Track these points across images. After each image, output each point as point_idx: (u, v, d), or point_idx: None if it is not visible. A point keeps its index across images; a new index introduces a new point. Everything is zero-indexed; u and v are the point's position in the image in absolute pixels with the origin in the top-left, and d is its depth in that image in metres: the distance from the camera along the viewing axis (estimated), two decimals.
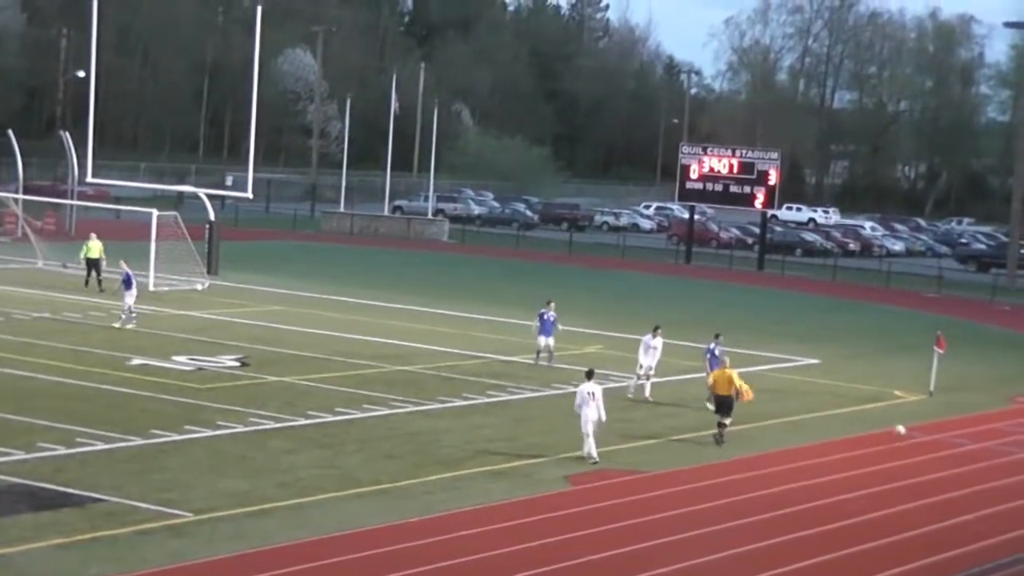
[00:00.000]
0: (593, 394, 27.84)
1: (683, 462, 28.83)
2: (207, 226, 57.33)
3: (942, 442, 33.21)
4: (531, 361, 38.77)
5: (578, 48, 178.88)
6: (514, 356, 39.83)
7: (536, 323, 38.87)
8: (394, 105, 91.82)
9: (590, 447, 27.79)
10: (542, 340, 38.49)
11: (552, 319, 38.61)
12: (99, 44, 58.08)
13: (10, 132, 70.29)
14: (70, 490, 23.51)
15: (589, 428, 27.73)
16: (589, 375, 28.48)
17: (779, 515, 25.21)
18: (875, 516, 25.56)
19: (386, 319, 47.37)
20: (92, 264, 50.65)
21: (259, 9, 55.24)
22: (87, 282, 50.25)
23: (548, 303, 39.12)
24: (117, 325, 41.24)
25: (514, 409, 33.37)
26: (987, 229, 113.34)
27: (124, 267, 42.91)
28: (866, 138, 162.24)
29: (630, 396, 34.86)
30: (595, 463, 27.57)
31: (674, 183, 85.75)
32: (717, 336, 35.74)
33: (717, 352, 34.38)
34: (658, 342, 35.21)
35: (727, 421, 30.67)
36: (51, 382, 32.51)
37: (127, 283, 42.19)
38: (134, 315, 41.93)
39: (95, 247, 50.91)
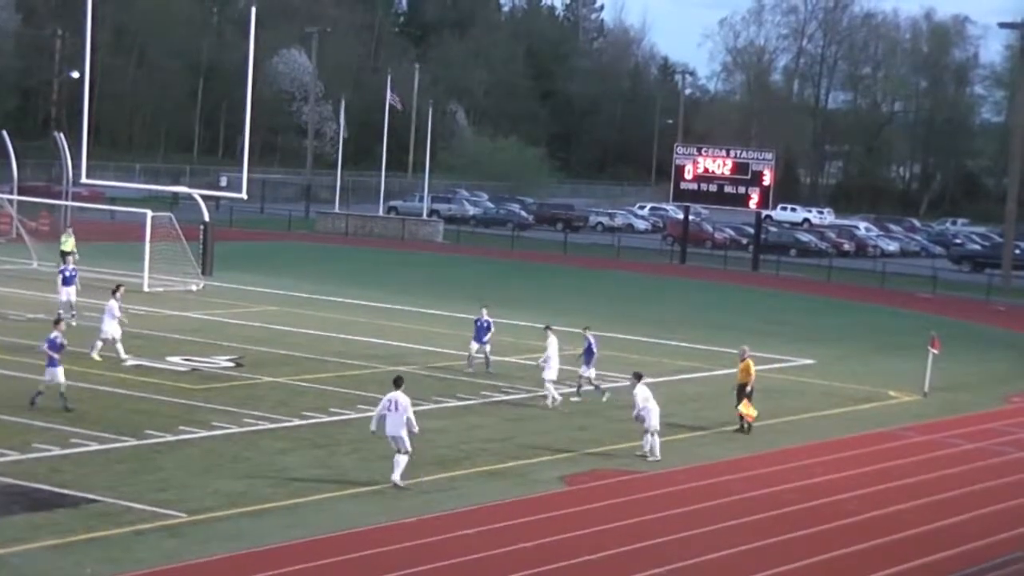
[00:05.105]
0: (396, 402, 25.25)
1: (677, 462, 28.86)
2: (202, 227, 57.38)
3: (937, 442, 33.24)
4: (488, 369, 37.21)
5: (573, 49, 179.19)
6: (508, 356, 39.78)
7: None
8: (392, 99, 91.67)
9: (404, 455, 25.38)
10: (474, 346, 37.14)
11: (487, 324, 37.18)
12: (93, 44, 58.12)
13: (4, 133, 70.11)
14: (65, 490, 23.50)
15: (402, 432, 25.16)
16: (397, 383, 25.68)
17: (773, 515, 25.23)
18: (869, 516, 25.58)
19: (381, 319, 47.36)
20: (64, 256, 51.70)
21: (253, 10, 55.27)
22: None
23: (483, 308, 37.77)
24: (73, 323, 39.66)
25: (509, 409, 33.36)
26: (982, 229, 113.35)
27: (70, 263, 41.67)
28: (861, 139, 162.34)
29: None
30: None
31: (669, 183, 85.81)
32: (587, 328, 35.19)
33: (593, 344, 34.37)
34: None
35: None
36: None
37: (67, 280, 40.79)
38: (73, 313, 40.58)
39: (70, 242, 52.78)
